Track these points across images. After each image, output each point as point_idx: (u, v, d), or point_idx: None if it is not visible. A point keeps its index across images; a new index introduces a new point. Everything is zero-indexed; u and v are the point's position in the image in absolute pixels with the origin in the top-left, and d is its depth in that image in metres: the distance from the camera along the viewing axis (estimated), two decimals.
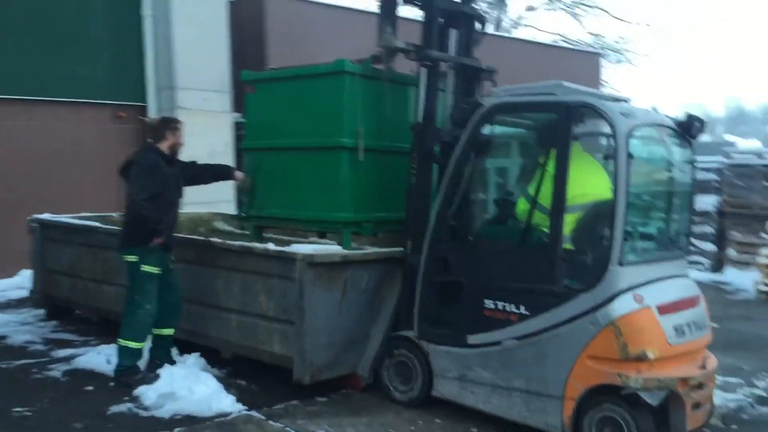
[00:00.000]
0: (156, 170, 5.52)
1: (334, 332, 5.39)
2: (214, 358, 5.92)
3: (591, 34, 30.24)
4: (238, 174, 6.14)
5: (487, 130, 4.98)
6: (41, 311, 7.94)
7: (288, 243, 6.09)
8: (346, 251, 5.40)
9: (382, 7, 5.61)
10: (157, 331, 5.71)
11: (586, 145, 4.79)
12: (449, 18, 5.66)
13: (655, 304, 4.37)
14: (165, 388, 5.34)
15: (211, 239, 6.10)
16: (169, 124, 5.82)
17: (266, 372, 5.76)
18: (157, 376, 5.49)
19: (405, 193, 5.58)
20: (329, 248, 5.36)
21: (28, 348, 6.61)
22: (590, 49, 26.13)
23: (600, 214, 4.67)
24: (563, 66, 18.46)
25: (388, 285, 5.66)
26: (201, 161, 11.01)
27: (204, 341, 6.05)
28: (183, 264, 5.99)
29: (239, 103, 12.13)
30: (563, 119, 4.50)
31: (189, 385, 5.34)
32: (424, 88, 5.45)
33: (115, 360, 5.65)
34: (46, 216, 7.81)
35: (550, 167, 4.59)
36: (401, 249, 5.58)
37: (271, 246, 5.52)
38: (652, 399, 4.22)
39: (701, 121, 4.88)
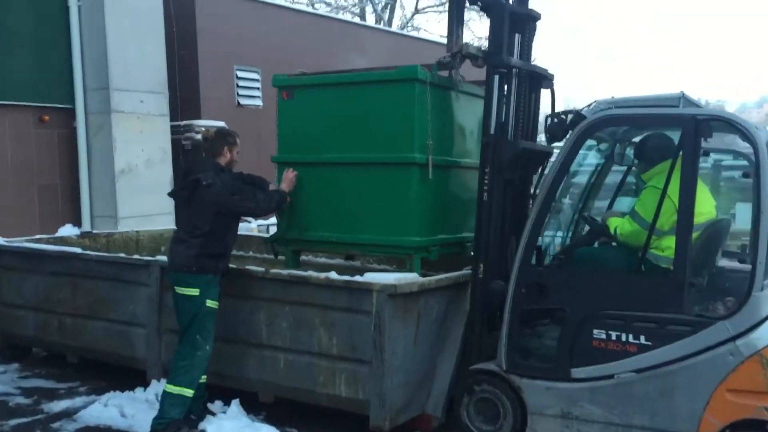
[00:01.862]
0: (238, 185, 4.94)
1: (409, 370, 4.81)
2: (247, 404, 5.17)
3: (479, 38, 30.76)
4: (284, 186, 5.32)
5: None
6: None
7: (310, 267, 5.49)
8: (422, 279, 4.82)
9: (450, 10, 5.09)
10: None
11: (707, 160, 4.50)
12: (514, 22, 5.23)
13: None
14: None
15: (250, 267, 5.31)
16: (228, 139, 5.07)
17: (317, 417, 5.09)
18: None
19: (475, 211, 5.09)
20: (407, 276, 4.75)
21: (9, 402, 5.51)
22: None
23: (719, 234, 4.42)
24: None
25: (452, 313, 5.15)
26: (138, 170, 10.22)
27: (237, 384, 5.27)
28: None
29: (176, 105, 11.16)
30: (691, 133, 4.19)
31: None
32: (496, 97, 4.99)
33: (144, 411, 4.84)
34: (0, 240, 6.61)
35: (673, 184, 4.27)
36: (468, 273, 5.10)
37: (333, 275, 4.84)
38: None
39: None
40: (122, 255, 6.08)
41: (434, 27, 41.12)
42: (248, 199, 4.97)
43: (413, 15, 29.79)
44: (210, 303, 4.83)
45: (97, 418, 5.10)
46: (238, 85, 12.51)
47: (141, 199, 10.18)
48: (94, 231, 7.65)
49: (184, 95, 11.66)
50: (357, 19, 24.97)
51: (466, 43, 5.04)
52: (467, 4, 5.14)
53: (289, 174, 5.26)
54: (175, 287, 4.86)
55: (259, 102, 12.78)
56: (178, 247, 4.95)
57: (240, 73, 12.50)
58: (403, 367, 4.73)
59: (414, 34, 23.67)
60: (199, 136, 11.60)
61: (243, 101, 12.56)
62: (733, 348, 4.07)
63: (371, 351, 4.64)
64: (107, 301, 5.86)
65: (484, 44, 5.38)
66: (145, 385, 5.51)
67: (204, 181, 4.78)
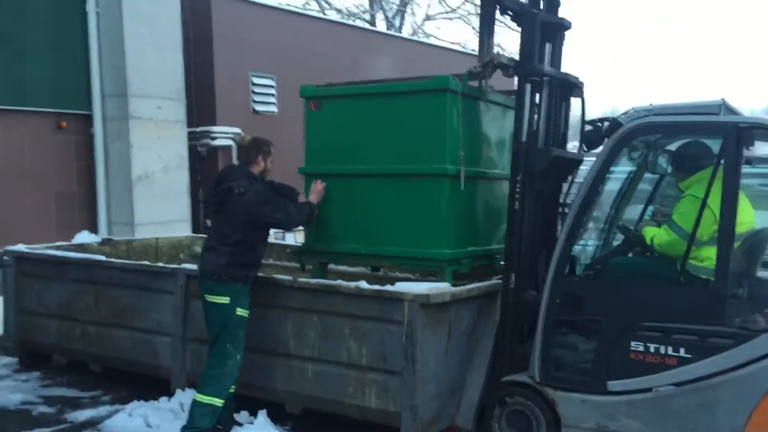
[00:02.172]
0: (270, 195, 4.90)
1: (441, 381, 4.74)
2: (274, 415, 5.10)
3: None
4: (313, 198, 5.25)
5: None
6: (10, 359, 6.67)
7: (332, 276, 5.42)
8: (454, 289, 4.75)
9: (482, 20, 5.04)
10: None
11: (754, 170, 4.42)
12: (545, 31, 5.16)
13: None
14: None
15: (278, 276, 5.24)
16: (262, 148, 5.01)
17: (344, 429, 5.02)
18: None
19: (502, 222, 5.02)
20: (439, 286, 4.68)
21: (32, 411, 5.46)
22: None
23: (759, 245, 4.33)
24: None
25: (482, 324, 5.07)
26: (155, 176, 10.17)
27: (264, 395, 5.20)
28: None
29: (192, 112, 11.12)
30: (732, 142, 4.10)
31: None
32: (528, 106, 4.92)
33: (172, 420, 4.76)
34: (20, 247, 6.56)
35: (713, 194, 4.18)
36: (499, 282, 5.03)
37: (364, 284, 4.77)
38: None
39: None
40: (147, 263, 6.03)
41: (445, 34, 41.17)
42: (280, 211, 4.91)
43: (424, 21, 29.79)
44: (240, 311, 4.78)
45: (122, 428, 5.04)
46: (253, 92, 12.46)
47: (158, 205, 10.15)
48: (114, 238, 7.58)
49: (199, 102, 11.62)
50: (368, 26, 24.94)
51: (498, 53, 4.99)
52: (498, 14, 5.07)
53: (318, 185, 5.20)
54: (206, 295, 4.80)
55: (274, 108, 12.74)
56: (208, 254, 4.90)
57: (255, 80, 12.46)
58: (434, 378, 4.66)
59: (425, 40, 23.61)
60: (215, 143, 11.61)
61: (258, 108, 12.52)
62: None
63: (402, 362, 4.57)
64: (131, 309, 5.80)
65: (509, 53, 5.31)
66: (170, 394, 5.44)
67: (236, 190, 4.73)
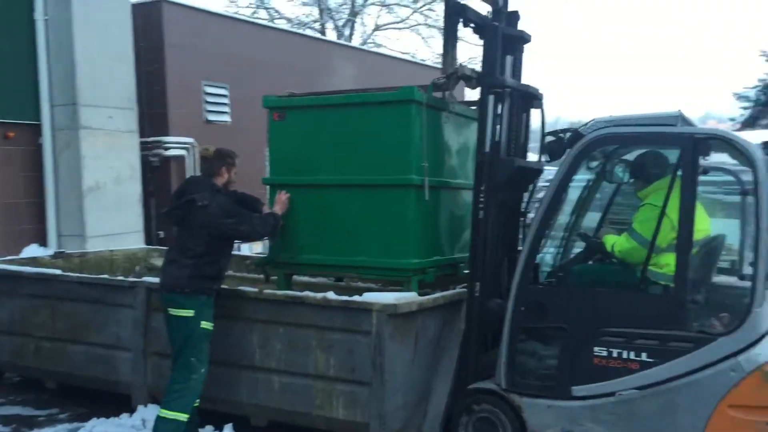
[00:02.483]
0: (234, 207, 4.84)
1: (408, 390, 4.76)
2: (239, 428, 5.05)
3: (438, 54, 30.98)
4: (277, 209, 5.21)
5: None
6: None
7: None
8: (421, 298, 4.78)
9: (446, 32, 5.11)
10: None
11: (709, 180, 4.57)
12: (506, 44, 5.26)
13: None
14: None
15: (243, 288, 5.19)
16: (226, 159, 4.97)
17: None
18: None
19: (465, 231, 5.09)
20: (406, 296, 4.70)
21: None
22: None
23: (715, 251, 4.48)
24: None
25: (447, 332, 5.12)
26: (107, 188, 9.96)
27: (229, 408, 5.15)
28: None
29: (144, 121, 10.94)
30: (690, 152, 4.24)
31: None
32: (490, 117, 5.01)
33: None
34: None
35: (671, 202, 4.32)
36: (464, 291, 5.09)
37: (331, 295, 4.76)
38: None
39: None
40: (106, 276, 5.90)
41: (395, 44, 41.46)
42: (244, 223, 4.86)
43: (373, 31, 29.93)
44: (205, 324, 4.72)
45: None
46: (206, 101, 12.32)
47: (109, 217, 9.95)
48: (67, 251, 7.40)
49: (151, 111, 11.44)
50: (319, 35, 24.93)
51: (461, 65, 5.06)
52: (461, 26, 5.15)
53: (282, 196, 5.18)
54: (169, 308, 4.73)
55: (227, 118, 12.62)
56: (170, 267, 4.83)
57: (208, 89, 12.33)
58: (402, 387, 4.68)
59: (376, 50, 23.73)
60: (168, 153, 11.44)
61: (211, 117, 12.38)
62: (734, 364, 4.11)
63: (370, 372, 4.58)
64: (89, 324, 5.67)
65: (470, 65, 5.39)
66: (131, 410, 5.35)
67: (199, 202, 4.69)
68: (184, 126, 11.81)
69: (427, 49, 31.70)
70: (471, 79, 5.11)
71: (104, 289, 5.65)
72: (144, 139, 10.91)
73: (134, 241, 10.12)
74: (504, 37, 5.17)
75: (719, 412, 4.15)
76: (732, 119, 24.14)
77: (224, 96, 12.60)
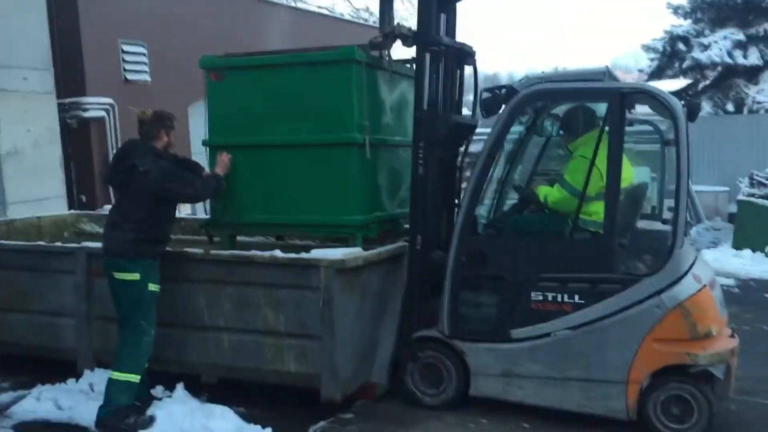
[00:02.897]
0: (176, 170, 4.81)
1: (356, 342, 4.95)
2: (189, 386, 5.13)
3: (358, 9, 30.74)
4: (219, 171, 5.22)
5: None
6: None
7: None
8: (366, 253, 4.94)
9: None
10: None
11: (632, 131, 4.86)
12: (440, 3, 5.37)
13: (707, 282, 4.62)
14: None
15: (188, 250, 5.21)
16: (165, 122, 4.88)
17: (259, 395, 5.15)
18: (151, 419, 4.63)
19: (404, 187, 5.27)
20: (352, 251, 4.85)
21: None
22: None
23: (639, 198, 4.80)
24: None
25: (390, 285, 5.31)
26: (25, 152, 9.63)
27: (178, 368, 5.19)
28: None
29: (59, 82, 10.54)
30: (617, 106, 4.51)
31: (202, 423, 4.57)
32: (427, 74, 5.15)
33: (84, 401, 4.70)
34: None
35: (601, 154, 4.59)
36: (405, 245, 5.28)
37: (278, 253, 4.86)
38: (718, 372, 4.48)
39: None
40: (43, 243, 5.79)
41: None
42: (186, 186, 4.86)
43: None
44: (152, 287, 4.74)
45: (32, 413, 4.90)
46: (124, 60, 11.97)
47: (30, 182, 9.67)
48: None
49: (66, 71, 11.03)
50: None
51: (398, 24, 5.16)
52: None
53: (224, 158, 5.19)
54: (114, 273, 4.72)
55: (147, 77, 12.30)
56: (112, 232, 4.80)
57: (126, 47, 11.97)
58: (350, 339, 4.86)
59: (298, 6, 23.35)
60: (87, 114, 11.11)
61: (130, 76, 12.05)
62: (658, 301, 4.48)
63: (320, 326, 4.73)
64: (28, 292, 5.58)
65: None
66: (77, 376, 5.33)
67: (141, 167, 4.65)
68: (102, 86, 11.47)
69: (345, 4, 31.45)
70: (407, 38, 5.22)
71: (42, 256, 5.56)
72: (61, 101, 10.55)
73: (57, 206, 9.87)
74: None
75: (645, 345, 4.52)
76: (640, 70, 25.12)
77: (143, 54, 12.26)
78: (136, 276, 4.69)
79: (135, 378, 4.67)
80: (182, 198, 5.03)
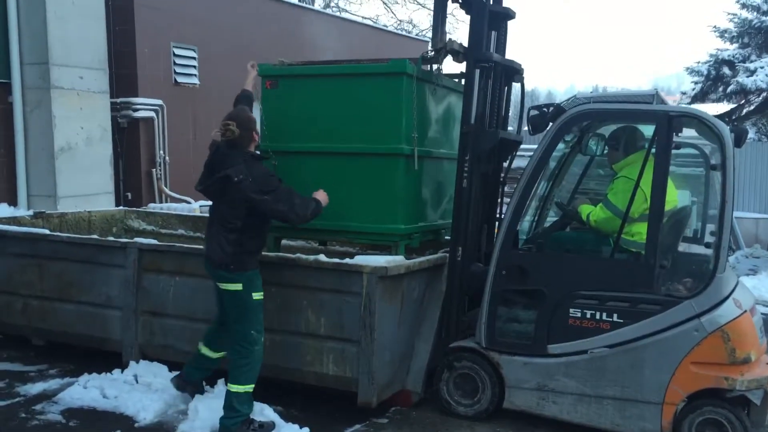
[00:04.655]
0: (272, 181, 4.71)
1: (394, 348, 5.05)
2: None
3: (401, 21, 30.94)
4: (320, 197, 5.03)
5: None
6: None
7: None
8: (408, 261, 5.05)
9: (435, 8, 5.34)
10: (209, 353, 5.01)
11: (677, 154, 4.90)
12: (492, 20, 5.48)
13: (747, 308, 4.63)
14: None
15: None
16: (251, 125, 4.77)
17: (296, 394, 5.27)
18: (272, 425, 4.73)
19: (447, 199, 5.36)
20: (394, 259, 4.96)
21: None
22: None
23: (682, 221, 4.83)
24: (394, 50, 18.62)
25: (430, 294, 5.41)
26: (78, 148, 9.93)
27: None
28: (195, 279, 5.28)
29: (112, 82, 10.86)
30: (664, 128, 4.56)
31: None
32: (476, 90, 5.25)
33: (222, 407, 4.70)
34: None
35: (645, 175, 4.64)
36: (446, 255, 5.38)
37: (323, 258, 4.99)
38: (756, 398, 4.48)
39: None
40: (96, 237, 5.99)
41: (356, 8, 41.08)
42: (282, 202, 4.63)
43: None
44: (256, 296, 4.71)
45: (79, 400, 5.08)
46: (175, 63, 12.26)
47: (80, 177, 9.95)
48: (47, 211, 7.43)
49: (120, 72, 11.36)
50: None
51: (450, 39, 5.28)
52: (450, 2, 5.36)
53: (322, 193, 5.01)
54: (218, 283, 4.74)
55: (195, 80, 12.58)
56: (212, 242, 4.74)
57: (177, 50, 12.27)
58: (389, 345, 4.96)
59: (344, 16, 23.63)
60: (137, 114, 11.39)
61: (180, 79, 12.34)
62: (697, 324, 4.51)
63: (360, 330, 4.83)
64: (78, 283, 5.79)
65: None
66: (121, 366, 5.50)
67: (235, 177, 4.55)
68: (153, 87, 11.76)
69: (389, 16, 31.70)
70: (459, 53, 5.35)
71: (95, 249, 5.76)
72: (113, 100, 10.85)
73: (105, 202, 10.16)
74: (489, 13, 5.41)
75: (683, 368, 4.54)
76: (683, 92, 24.86)
77: (193, 58, 12.55)
78: (239, 287, 4.66)
79: (252, 387, 4.69)
80: (275, 215, 4.71)
